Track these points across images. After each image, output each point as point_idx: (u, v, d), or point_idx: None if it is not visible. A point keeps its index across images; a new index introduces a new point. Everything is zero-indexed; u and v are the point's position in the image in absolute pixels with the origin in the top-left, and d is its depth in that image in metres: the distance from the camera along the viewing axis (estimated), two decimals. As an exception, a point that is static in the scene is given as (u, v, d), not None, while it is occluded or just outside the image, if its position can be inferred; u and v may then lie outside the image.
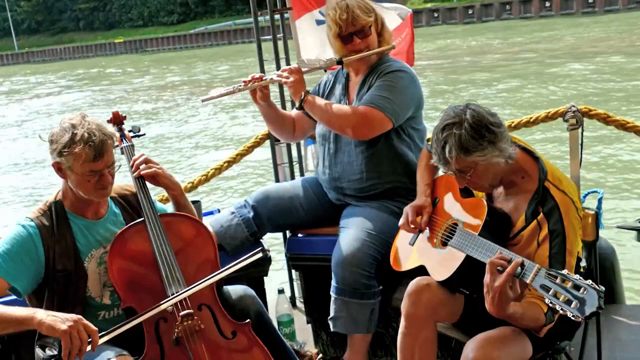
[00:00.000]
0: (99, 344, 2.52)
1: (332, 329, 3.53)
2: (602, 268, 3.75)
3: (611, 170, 10.22)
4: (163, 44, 63.48)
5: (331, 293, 3.46)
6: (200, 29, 63.82)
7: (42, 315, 2.49)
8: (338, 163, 3.62)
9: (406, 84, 3.49)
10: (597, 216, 3.29)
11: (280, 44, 4.74)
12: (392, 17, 4.61)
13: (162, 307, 2.73)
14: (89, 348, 2.48)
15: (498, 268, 2.45)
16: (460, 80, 21.45)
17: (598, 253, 3.43)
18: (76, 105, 27.59)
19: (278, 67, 4.63)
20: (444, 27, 45.79)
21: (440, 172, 3.25)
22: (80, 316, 2.52)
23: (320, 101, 3.55)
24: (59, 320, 2.47)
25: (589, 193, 3.78)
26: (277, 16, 4.75)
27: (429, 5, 51.21)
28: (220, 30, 60.71)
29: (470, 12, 48.44)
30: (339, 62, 3.55)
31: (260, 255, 2.84)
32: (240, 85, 3.58)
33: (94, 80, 38.77)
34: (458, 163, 2.67)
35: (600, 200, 3.69)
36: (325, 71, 3.89)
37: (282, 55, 4.71)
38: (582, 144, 3.92)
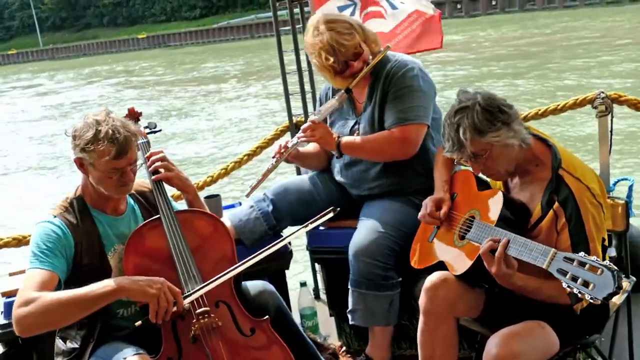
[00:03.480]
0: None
1: (350, 322, 3.52)
2: (635, 256, 3.65)
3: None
4: (186, 38, 63.77)
5: (349, 285, 3.44)
6: (223, 23, 64.03)
7: (124, 282, 2.59)
8: (355, 172, 3.60)
9: (419, 82, 3.41)
10: (626, 206, 3.22)
11: (300, 37, 4.65)
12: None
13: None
14: (174, 308, 2.60)
15: (492, 250, 2.56)
16: (484, 73, 21.30)
17: (630, 242, 3.36)
18: (100, 101, 27.84)
19: (298, 59, 4.56)
20: (466, 20, 45.44)
21: (457, 169, 3.27)
22: (163, 278, 2.63)
23: (356, 142, 3.48)
24: (146, 284, 2.59)
25: (619, 180, 3.71)
26: (296, 9, 4.69)
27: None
28: (243, 24, 60.83)
29: (493, 3, 48.09)
30: (348, 91, 3.50)
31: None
32: (273, 162, 3.57)
33: (117, 75, 39.07)
34: (473, 145, 2.65)
35: (630, 188, 3.63)
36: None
37: (301, 46, 4.61)
38: (611, 131, 3.85)
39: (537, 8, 45.01)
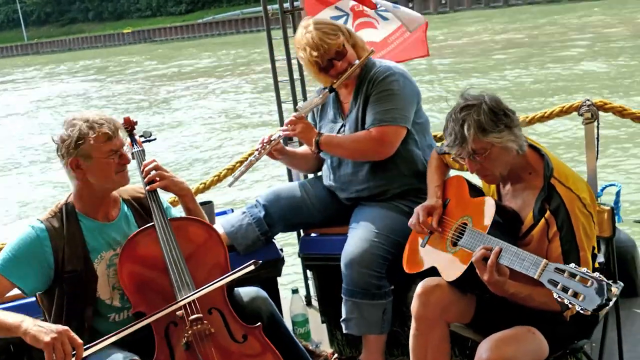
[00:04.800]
0: (103, 346, 2.56)
1: (344, 331, 3.53)
2: (623, 261, 3.70)
3: (630, 164, 10.10)
4: (171, 33, 63.36)
5: (342, 295, 3.45)
6: (208, 18, 63.75)
7: (29, 324, 2.50)
8: (343, 175, 3.62)
9: (401, 86, 3.48)
10: (613, 212, 3.25)
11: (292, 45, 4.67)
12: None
13: (168, 310, 2.72)
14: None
15: (484, 258, 2.58)
16: (469, 67, 21.36)
17: (617, 247, 3.37)
18: (86, 95, 27.71)
19: (289, 62, 4.59)
20: (451, 14, 45.47)
21: (451, 174, 3.30)
22: (67, 327, 2.51)
23: (335, 139, 3.55)
24: (44, 331, 2.47)
25: (606, 187, 3.75)
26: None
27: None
28: (229, 19, 60.59)
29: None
30: (332, 90, 3.56)
31: (252, 267, 2.80)
32: (255, 156, 3.61)
33: (102, 71, 38.84)
34: (475, 143, 2.68)
35: (618, 194, 3.66)
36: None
37: (293, 55, 4.64)
38: (597, 138, 3.89)
39: (522, 3, 45.07)
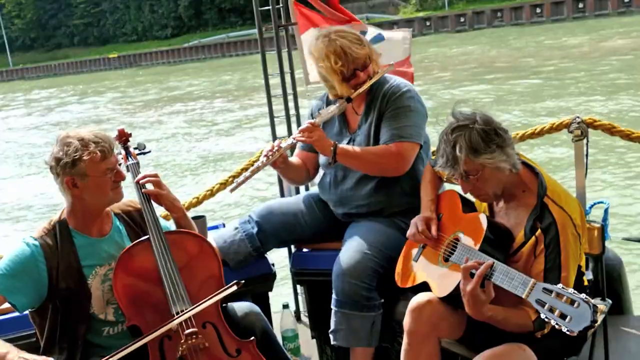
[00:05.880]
0: None
1: (332, 342, 3.51)
2: (610, 279, 3.72)
3: (619, 181, 10.20)
4: (157, 58, 63.43)
5: (332, 306, 3.45)
6: (194, 42, 63.93)
7: (13, 356, 2.54)
8: (345, 190, 3.61)
9: (416, 104, 3.49)
10: (602, 230, 3.29)
11: (285, 58, 4.75)
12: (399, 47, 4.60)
13: (164, 329, 2.73)
14: None
15: (471, 271, 2.59)
16: (457, 86, 21.56)
17: (605, 265, 3.40)
18: (73, 120, 27.68)
19: (283, 81, 4.62)
20: (436, 36, 45.93)
21: (444, 188, 3.31)
22: (51, 359, 2.58)
23: (352, 150, 3.50)
24: None
25: (595, 204, 3.77)
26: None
27: (421, 14, 51.43)
28: (214, 43, 60.82)
29: (462, 19, 48.66)
30: (349, 101, 3.53)
31: (235, 288, 2.81)
32: (263, 161, 3.53)
33: (86, 95, 38.81)
34: (467, 164, 2.70)
35: (606, 211, 3.69)
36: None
37: (286, 69, 4.73)
38: (587, 155, 3.92)
39: (505, 24, 45.57)
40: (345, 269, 3.35)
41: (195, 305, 2.78)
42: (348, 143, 3.57)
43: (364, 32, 4.37)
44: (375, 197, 3.53)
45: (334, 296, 3.43)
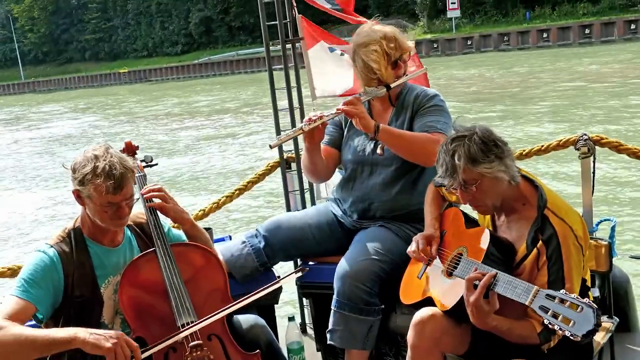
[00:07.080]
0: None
1: (328, 342, 3.52)
2: (617, 297, 3.70)
3: (625, 198, 10.18)
4: (167, 73, 63.93)
5: (332, 306, 3.47)
6: (204, 59, 64.32)
7: (85, 334, 2.55)
8: (370, 186, 3.61)
9: (446, 106, 3.61)
10: (610, 247, 3.27)
11: (292, 74, 4.78)
12: None
13: (170, 342, 2.74)
14: None
15: (475, 283, 2.61)
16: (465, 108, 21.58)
17: (613, 282, 3.39)
18: (83, 133, 27.82)
19: (290, 96, 4.65)
20: (443, 58, 46.04)
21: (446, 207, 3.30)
22: (121, 332, 2.60)
23: (395, 130, 3.53)
24: (103, 338, 2.53)
25: (602, 221, 3.76)
26: (287, 45, 4.78)
27: (428, 36, 51.53)
28: (224, 60, 61.17)
29: (469, 42, 48.78)
30: (388, 88, 3.59)
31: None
32: (303, 125, 3.52)
33: (99, 109, 39.03)
34: (465, 173, 2.71)
35: (613, 229, 3.67)
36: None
37: (293, 84, 4.76)
38: (594, 172, 3.91)
39: (512, 48, 45.65)
40: (348, 272, 3.37)
41: (209, 316, 2.78)
42: (377, 142, 3.57)
43: None
44: (401, 195, 3.55)
45: (334, 297, 3.44)
